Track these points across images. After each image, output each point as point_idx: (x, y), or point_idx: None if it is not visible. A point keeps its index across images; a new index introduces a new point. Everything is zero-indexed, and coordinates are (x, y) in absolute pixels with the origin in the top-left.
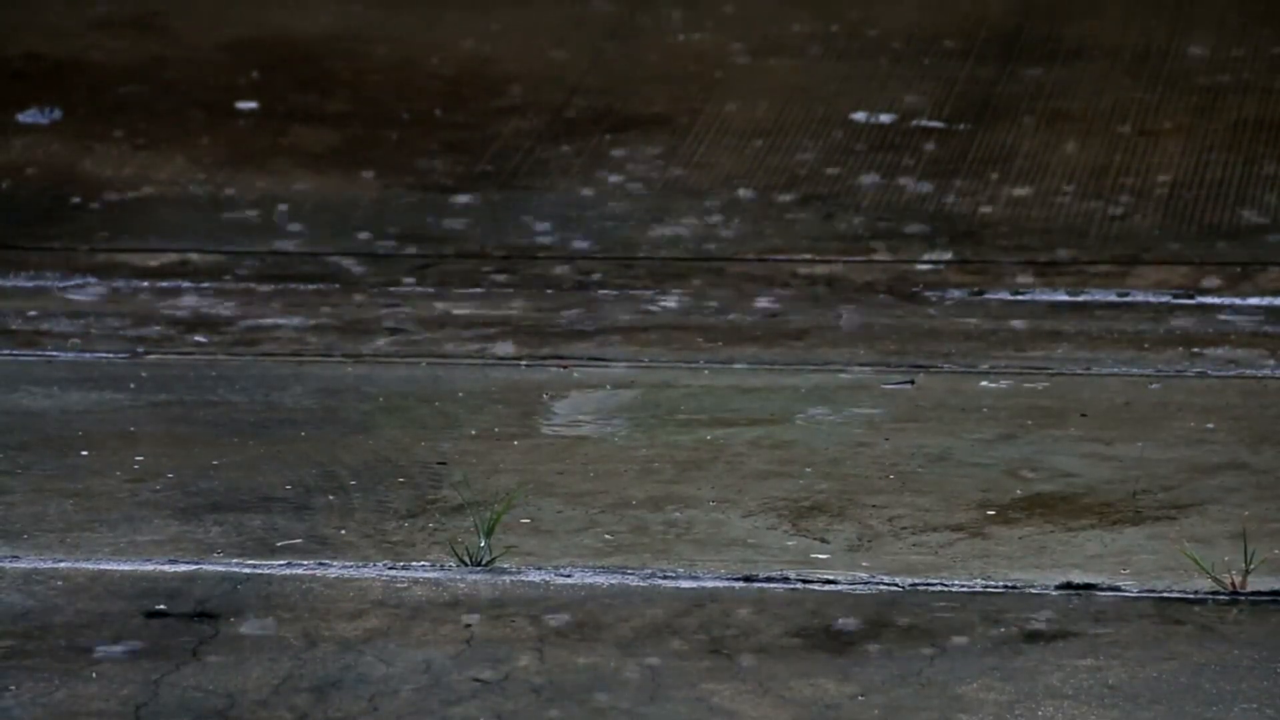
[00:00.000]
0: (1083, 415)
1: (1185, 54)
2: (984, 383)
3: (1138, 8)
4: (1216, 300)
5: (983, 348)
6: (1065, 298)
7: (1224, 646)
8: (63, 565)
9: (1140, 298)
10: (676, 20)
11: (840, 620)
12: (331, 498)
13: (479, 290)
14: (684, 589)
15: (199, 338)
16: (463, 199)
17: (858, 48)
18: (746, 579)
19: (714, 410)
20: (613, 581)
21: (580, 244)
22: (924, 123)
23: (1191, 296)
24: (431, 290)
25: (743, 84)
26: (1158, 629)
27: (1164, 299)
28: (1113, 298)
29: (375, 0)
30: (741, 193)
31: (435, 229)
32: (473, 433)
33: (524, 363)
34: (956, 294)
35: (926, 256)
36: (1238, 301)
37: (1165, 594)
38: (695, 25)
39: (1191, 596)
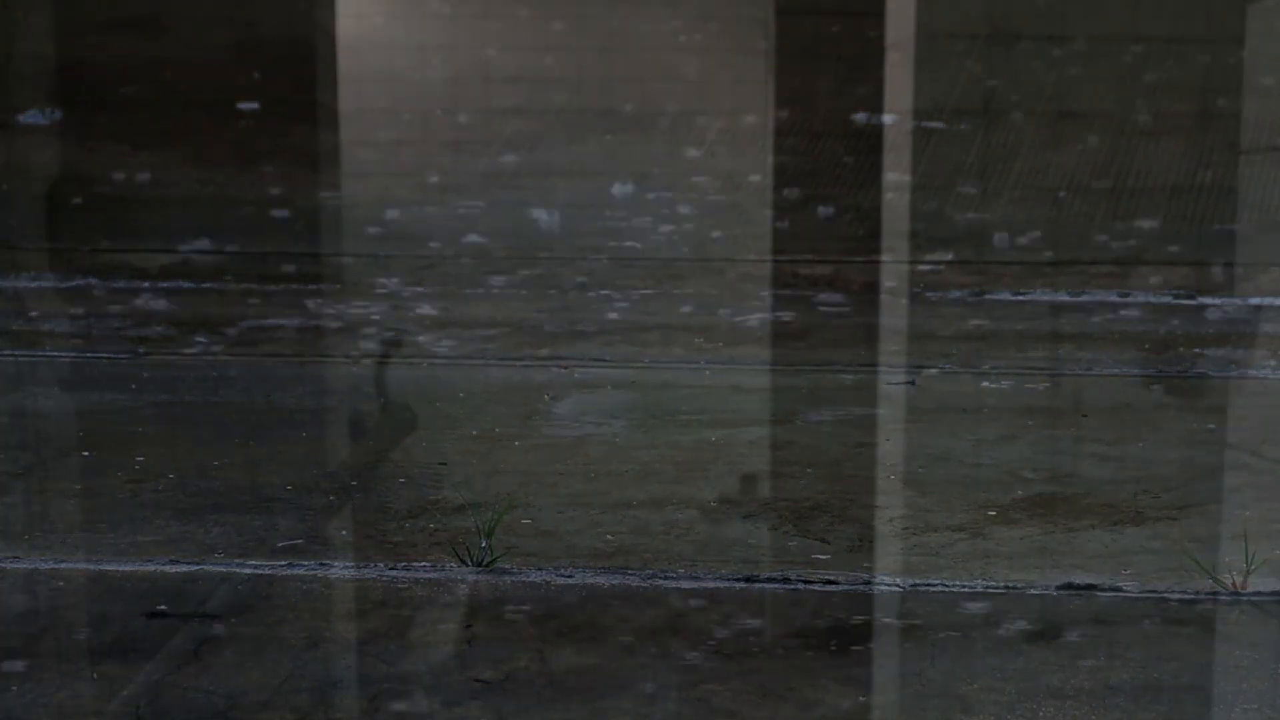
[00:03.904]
0: (1083, 415)
1: (1187, 56)
2: (984, 383)
3: (1141, 10)
4: (1216, 300)
5: (983, 348)
6: (1065, 298)
7: (1224, 646)
8: (63, 565)
9: (1140, 298)
10: (677, 22)
11: (840, 620)
12: (331, 498)
13: (480, 290)
14: (684, 589)
15: (199, 338)
16: (463, 199)
17: (858, 49)
18: (747, 579)
19: (714, 410)
20: (613, 582)
21: (580, 244)
22: (924, 124)
23: (1192, 297)
24: (432, 290)
25: (743, 84)
26: (1158, 629)
27: (1164, 299)
28: (1113, 298)
29: (377, 1)
30: (742, 193)
31: (436, 229)
32: (473, 433)
33: (524, 363)
34: (957, 294)
35: (927, 257)
36: (1237, 302)
37: (1166, 594)
38: (695, 28)
39: (1192, 597)
